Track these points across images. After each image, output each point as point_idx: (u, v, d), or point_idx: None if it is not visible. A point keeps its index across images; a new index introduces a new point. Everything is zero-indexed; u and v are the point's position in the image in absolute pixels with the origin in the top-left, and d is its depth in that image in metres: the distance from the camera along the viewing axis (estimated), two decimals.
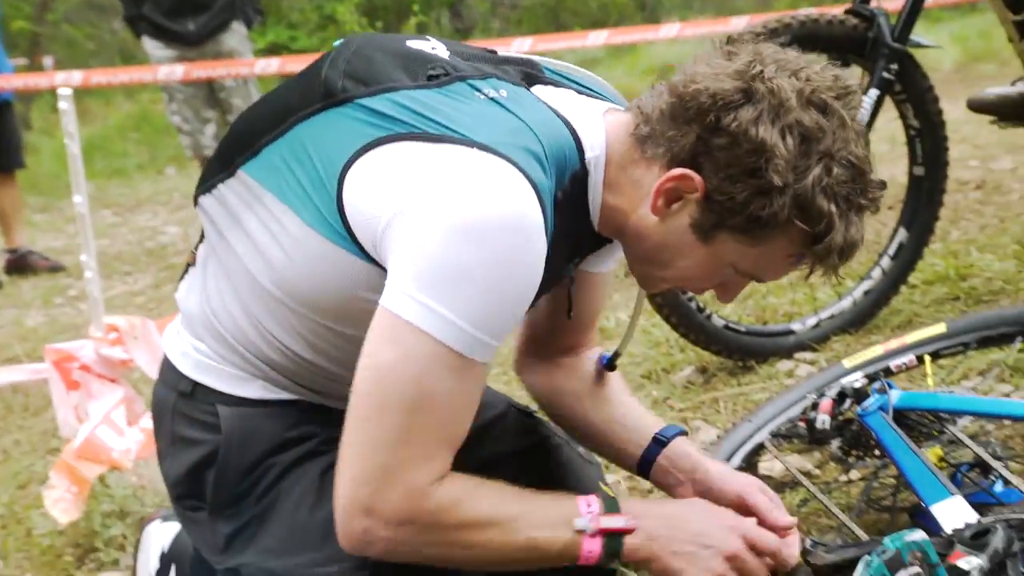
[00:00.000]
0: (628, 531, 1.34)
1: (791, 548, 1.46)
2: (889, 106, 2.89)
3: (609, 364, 1.74)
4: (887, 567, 1.23)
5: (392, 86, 1.36)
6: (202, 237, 1.59)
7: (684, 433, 1.69)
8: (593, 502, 1.36)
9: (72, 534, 2.57)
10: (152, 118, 11.13)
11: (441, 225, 1.23)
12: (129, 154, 10.34)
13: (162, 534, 1.92)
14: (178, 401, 1.56)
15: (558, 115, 1.39)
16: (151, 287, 5.48)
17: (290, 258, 1.38)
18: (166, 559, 1.89)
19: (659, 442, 1.65)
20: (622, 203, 1.42)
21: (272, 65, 6.35)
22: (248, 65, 6.10)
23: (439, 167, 1.27)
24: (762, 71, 1.30)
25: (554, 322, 1.73)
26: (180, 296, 1.62)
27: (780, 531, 1.48)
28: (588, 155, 1.40)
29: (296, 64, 5.79)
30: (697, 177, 1.32)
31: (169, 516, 1.97)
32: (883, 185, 1.38)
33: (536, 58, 1.55)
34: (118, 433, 2.64)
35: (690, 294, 2.70)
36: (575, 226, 1.40)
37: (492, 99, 1.36)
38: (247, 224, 1.44)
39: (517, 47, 5.72)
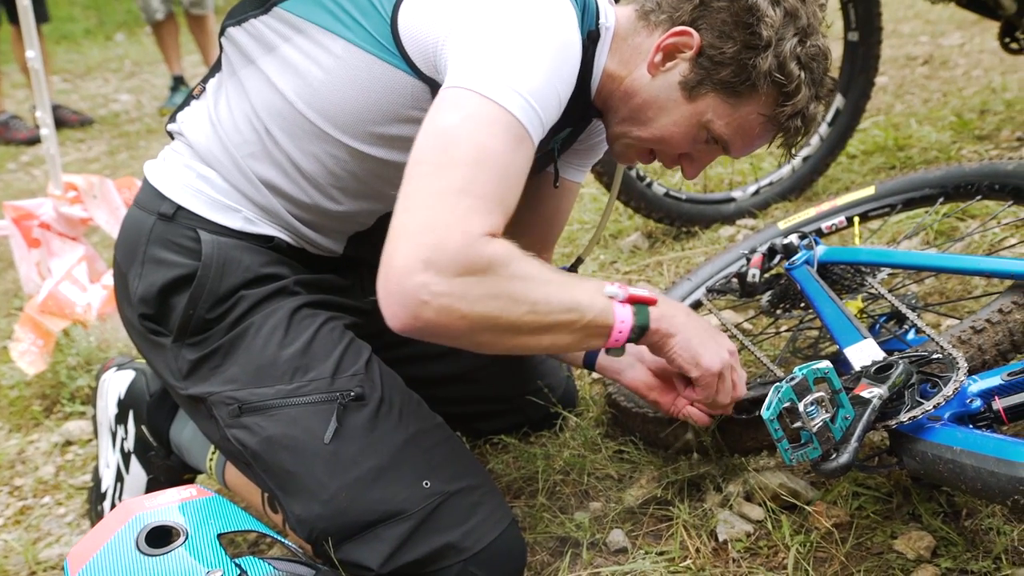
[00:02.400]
0: (652, 301, 1.44)
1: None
2: None
3: (570, 271, 1.85)
4: (794, 392, 1.35)
5: None
6: (212, 71, 1.67)
7: None
8: (617, 285, 1.43)
9: (39, 385, 2.66)
10: None
11: (502, 19, 1.36)
12: (76, 19, 10.03)
13: (118, 381, 1.99)
14: (157, 223, 1.60)
15: None
16: (105, 154, 5.44)
17: (333, 78, 1.47)
18: (123, 405, 1.97)
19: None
20: (620, 70, 1.55)
21: None
22: None
23: None
24: None
25: (523, 218, 1.80)
26: (177, 126, 1.67)
27: None
28: (602, 21, 1.55)
29: None
30: (696, 34, 1.48)
31: (123, 364, 2.03)
32: (835, 83, 1.54)
33: None
34: (80, 289, 2.69)
35: None
36: (577, 87, 1.46)
37: None
38: (282, 51, 1.52)
39: None
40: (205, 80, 1.69)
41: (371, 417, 1.52)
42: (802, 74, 1.49)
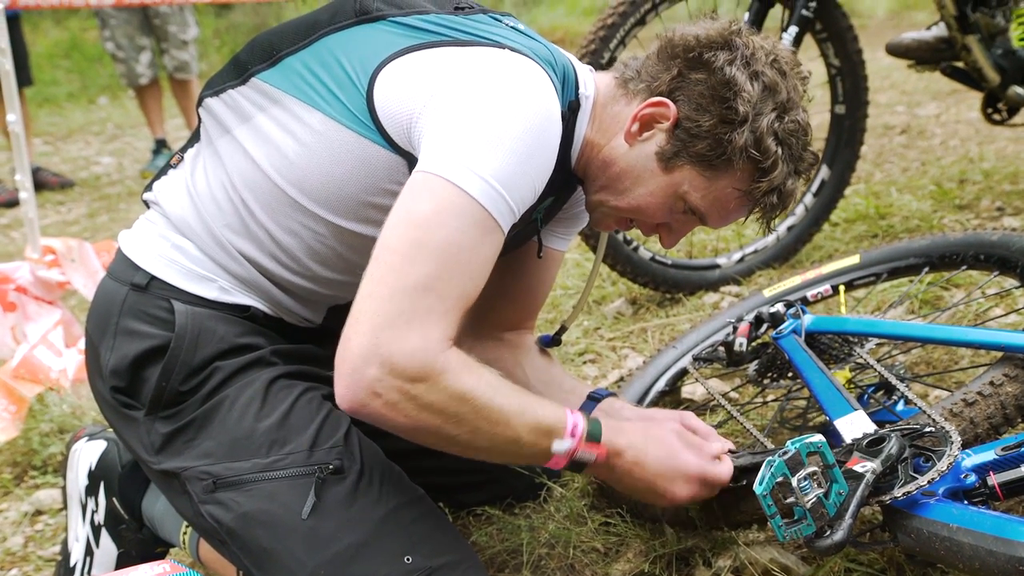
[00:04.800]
0: (601, 455, 1.44)
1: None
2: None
3: (554, 339, 1.87)
4: (787, 466, 1.32)
5: (424, 9, 1.52)
6: (190, 142, 1.67)
7: (614, 395, 1.81)
8: (579, 425, 1.43)
9: (10, 452, 2.59)
10: (83, 46, 10.84)
11: (478, 98, 1.36)
12: (59, 82, 10.07)
13: (89, 452, 1.94)
14: (130, 294, 1.57)
15: (563, 53, 1.57)
16: (85, 216, 5.42)
17: (309, 151, 1.46)
18: (94, 476, 1.92)
19: (593, 399, 1.78)
20: (599, 138, 1.56)
21: None
22: None
23: (472, 61, 1.42)
24: (740, 29, 1.51)
25: (506, 288, 1.82)
26: (153, 196, 1.65)
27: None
28: (582, 91, 1.55)
29: None
30: (672, 106, 1.49)
31: (95, 434, 1.98)
32: (816, 157, 1.58)
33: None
34: (56, 354, 2.65)
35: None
36: (558, 157, 1.47)
37: (513, 27, 1.55)
38: (258, 121, 1.52)
39: None
40: (183, 150, 1.68)
41: (351, 491, 1.48)
42: (779, 150, 1.48)
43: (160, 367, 1.53)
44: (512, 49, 1.45)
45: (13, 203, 5.62)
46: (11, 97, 2.82)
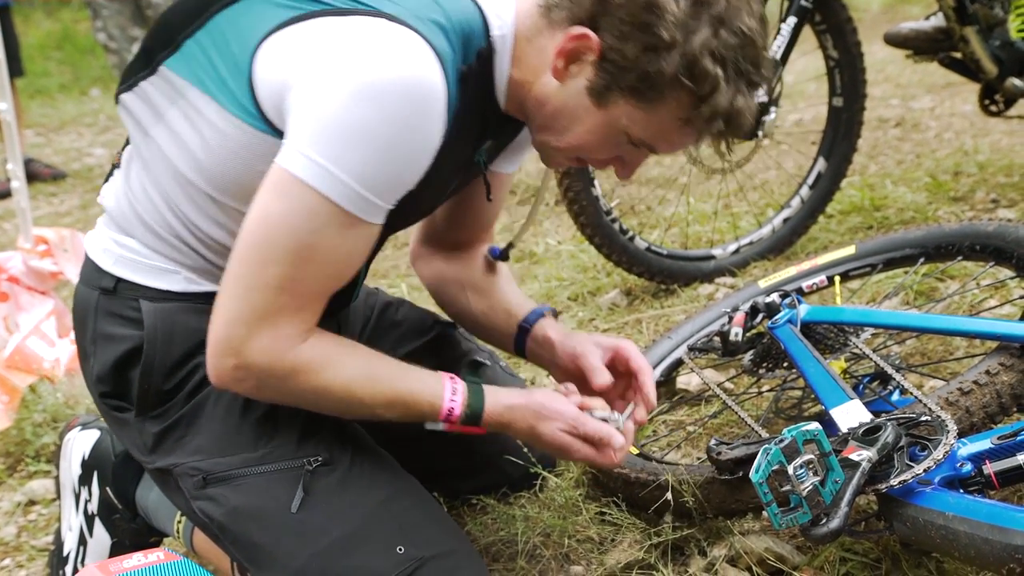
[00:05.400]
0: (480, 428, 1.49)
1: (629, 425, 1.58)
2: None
3: (502, 255, 1.80)
4: (783, 454, 1.32)
5: None
6: (127, 141, 1.61)
7: (554, 313, 1.77)
8: (458, 403, 1.46)
9: (3, 443, 2.59)
10: (75, 38, 10.79)
11: (339, 86, 1.26)
12: (51, 74, 10.02)
13: (82, 441, 1.93)
14: (101, 298, 1.55)
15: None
16: (78, 208, 5.40)
17: (209, 146, 1.41)
18: (87, 466, 1.91)
19: (524, 329, 1.74)
20: (527, 75, 1.44)
21: None
22: None
23: (343, 35, 1.32)
24: None
25: (454, 215, 1.78)
26: (103, 198, 1.62)
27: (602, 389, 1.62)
28: (495, 32, 1.42)
29: None
30: (594, 36, 1.35)
31: (88, 423, 1.97)
32: (776, 64, 1.44)
33: None
34: (48, 344, 2.65)
35: (613, 215, 2.78)
36: (481, 105, 1.44)
37: None
38: (169, 117, 1.46)
39: None
40: (123, 148, 1.63)
41: (340, 482, 1.47)
42: (719, 71, 1.33)
43: (139, 369, 1.51)
44: (389, 16, 1.32)
45: (5, 194, 5.60)
46: (2, 87, 2.80)
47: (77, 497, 1.92)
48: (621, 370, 1.65)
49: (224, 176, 1.42)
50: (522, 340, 1.75)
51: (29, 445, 2.54)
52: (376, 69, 1.26)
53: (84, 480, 1.91)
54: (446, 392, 1.45)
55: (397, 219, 1.42)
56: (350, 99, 1.26)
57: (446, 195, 1.64)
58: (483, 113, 1.44)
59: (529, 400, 1.50)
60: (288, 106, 1.32)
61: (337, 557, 1.41)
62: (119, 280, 1.54)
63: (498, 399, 1.49)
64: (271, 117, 1.35)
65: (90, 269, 1.59)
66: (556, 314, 1.79)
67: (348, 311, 1.71)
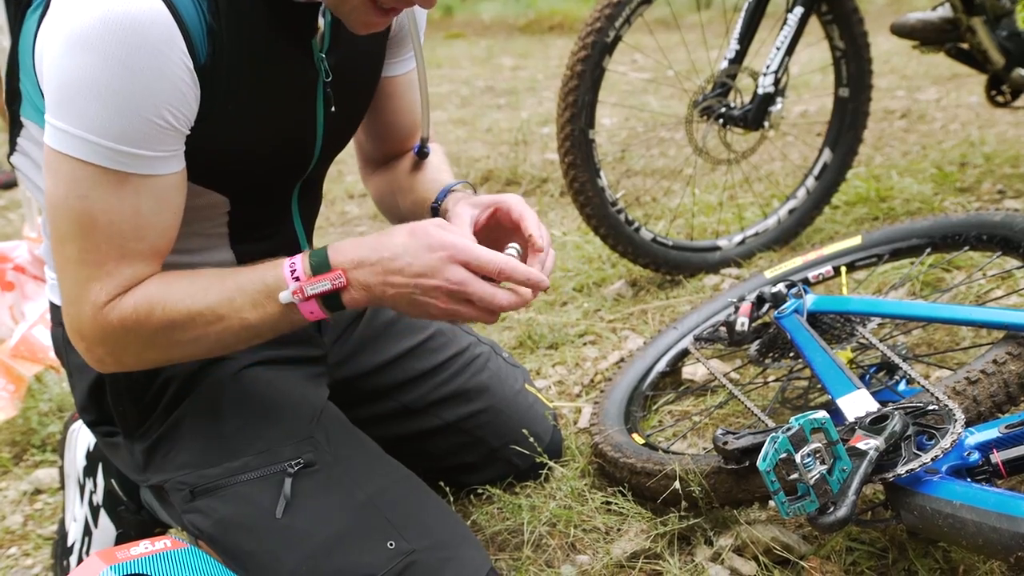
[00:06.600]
0: (340, 289, 1.34)
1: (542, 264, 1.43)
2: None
3: (420, 151, 1.73)
4: (791, 443, 1.32)
5: None
6: None
7: (471, 187, 1.67)
8: (298, 264, 1.34)
9: (8, 432, 2.59)
10: None
11: (56, 43, 1.22)
12: None
13: (87, 432, 1.93)
14: (63, 332, 1.52)
15: None
16: None
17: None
18: (92, 457, 1.91)
19: (434, 211, 1.63)
20: None
21: None
22: None
23: None
24: None
25: (372, 131, 1.76)
26: (41, 231, 1.64)
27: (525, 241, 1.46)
28: None
29: None
30: None
31: None
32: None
33: None
34: None
35: (618, 206, 2.78)
36: (274, 7, 1.34)
37: None
38: (38, 159, 1.43)
39: None
40: None
41: (323, 483, 1.46)
42: None
43: (109, 395, 1.53)
44: None
45: (11, 184, 5.60)
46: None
47: (82, 488, 1.92)
48: (509, 226, 1.51)
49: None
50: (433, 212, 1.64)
51: (35, 434, 2.54)
52: (78, 16, 1.20)
53: (89, 471, 1.91)
54: (285, 260, 1.36)
55: (263, 147, 1.40)
56: (64, 55, 1.21)
57: (304, 112, 1.49)
58: (268, 9, 1.33)
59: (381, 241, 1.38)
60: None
61: (325, 559, 1.40)
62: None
63: (342, 243, 1.38)
64: None
65: (53, 307, 1.63)
66: (473, 188, 1.68)
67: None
